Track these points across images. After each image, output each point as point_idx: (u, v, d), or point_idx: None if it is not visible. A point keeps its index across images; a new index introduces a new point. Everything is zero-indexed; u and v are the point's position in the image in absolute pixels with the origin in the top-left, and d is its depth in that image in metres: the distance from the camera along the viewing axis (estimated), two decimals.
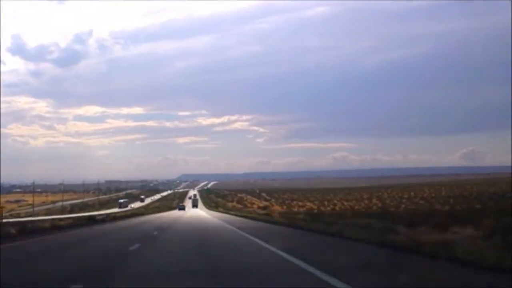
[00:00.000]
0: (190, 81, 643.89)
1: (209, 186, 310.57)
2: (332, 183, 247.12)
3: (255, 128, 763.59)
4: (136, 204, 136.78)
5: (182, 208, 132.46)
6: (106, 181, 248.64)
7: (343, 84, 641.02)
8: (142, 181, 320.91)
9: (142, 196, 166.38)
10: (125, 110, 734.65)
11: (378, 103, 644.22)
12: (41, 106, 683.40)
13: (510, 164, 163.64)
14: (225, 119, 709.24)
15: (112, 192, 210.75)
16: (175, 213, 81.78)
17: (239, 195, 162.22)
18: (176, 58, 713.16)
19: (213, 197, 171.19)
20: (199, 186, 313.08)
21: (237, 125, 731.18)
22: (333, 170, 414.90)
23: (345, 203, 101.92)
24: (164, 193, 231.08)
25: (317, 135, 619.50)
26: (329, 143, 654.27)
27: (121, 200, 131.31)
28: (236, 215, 56.19)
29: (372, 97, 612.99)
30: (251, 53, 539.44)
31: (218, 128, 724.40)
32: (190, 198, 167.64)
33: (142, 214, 76.68)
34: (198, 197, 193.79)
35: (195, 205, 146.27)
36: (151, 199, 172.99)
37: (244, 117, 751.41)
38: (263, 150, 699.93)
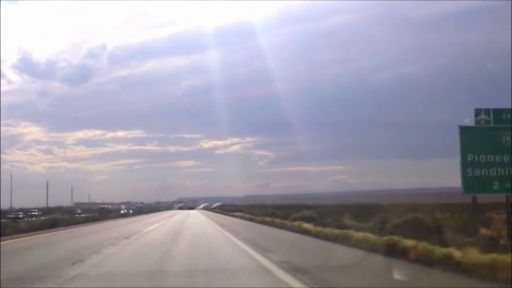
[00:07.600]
0: (195, 102, 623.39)
1: (214, 205, 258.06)
2: (344, 201, 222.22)
3: (258, 150, 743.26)
4: None
5: (182, 208, 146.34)
6: (76, 203, 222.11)
7: (349, 101, 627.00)
8: (124, 203, 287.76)
9: None
10: (124, 133, 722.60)
11: (383, 123, 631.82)
12: (39, 130, 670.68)
13: None
14: (227, 141, 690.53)
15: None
16: None
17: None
18: (183, 76, 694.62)
19: None
20: (201, 207, 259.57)
21: (239, 147, 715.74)
22: (333, 192, 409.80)
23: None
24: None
25: (317, 157, 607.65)
26: (330, 165, 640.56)
27: None
28: None
29: (380, 117, 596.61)
30: (260, 69, 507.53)
31: (220, 151, 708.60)
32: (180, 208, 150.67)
33: None
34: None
35: (191, 207, 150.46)
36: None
37: (248, 139, 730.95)
38: (264, 173, 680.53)
